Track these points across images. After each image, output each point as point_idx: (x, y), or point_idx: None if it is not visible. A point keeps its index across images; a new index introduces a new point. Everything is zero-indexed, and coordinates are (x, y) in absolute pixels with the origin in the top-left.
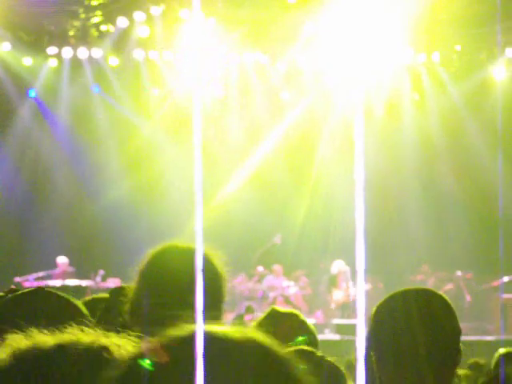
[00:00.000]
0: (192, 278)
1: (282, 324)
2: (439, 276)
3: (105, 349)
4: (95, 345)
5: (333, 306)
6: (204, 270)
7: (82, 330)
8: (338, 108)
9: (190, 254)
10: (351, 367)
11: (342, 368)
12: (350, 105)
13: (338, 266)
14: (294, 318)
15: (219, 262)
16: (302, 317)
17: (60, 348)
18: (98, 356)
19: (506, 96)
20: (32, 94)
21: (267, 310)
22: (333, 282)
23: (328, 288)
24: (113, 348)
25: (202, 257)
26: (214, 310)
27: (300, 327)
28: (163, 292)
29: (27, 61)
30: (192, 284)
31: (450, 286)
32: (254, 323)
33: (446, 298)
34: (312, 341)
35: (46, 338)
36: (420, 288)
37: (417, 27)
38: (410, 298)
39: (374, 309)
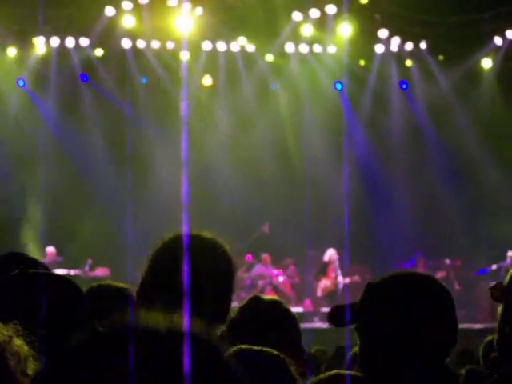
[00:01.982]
0: (198, 268)
1: (265, 311)
2: (429, 264)
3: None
4: None
5: (319, 293)
6: (213, 263)
7: None
8: (325, 97)
9: (206, 244)
10: (342, 353)
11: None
12: (338, 93)
13: (330, 254)
14: (277, 306)
15: (228, 254)
16: (285, 304)
17: None
18: None
19: (494, 84)
20: (21, 83)
21: (249, 297)
22: (323, 270)
23: (316, 276)
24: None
25: (203, 247)
26: (218, 302)
27: (282, 315)
28: (168, 278)
29: (14, 51)
30: (197, 274)
31: (441, 274)
32: (235, 310)
33: (444, 286)
34: (294, 329)
35: None
36: (413, 273)
37: (404, 15)
38: (396, 281)
39: (364, 289)
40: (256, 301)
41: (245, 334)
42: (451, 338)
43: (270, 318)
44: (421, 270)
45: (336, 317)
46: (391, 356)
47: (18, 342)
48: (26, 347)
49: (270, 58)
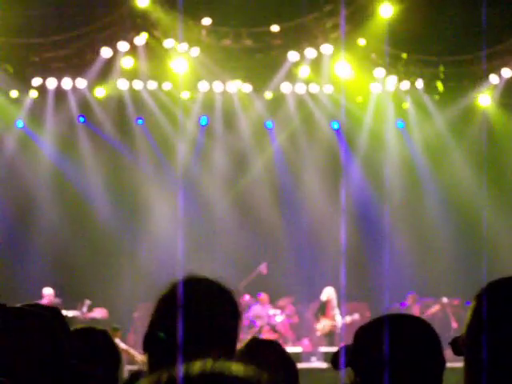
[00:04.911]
0: (207, 315)
1: (262, 353)
2: (426, 303)
3: None
4: None
5: (318, 333)
6: (220, 307)
7: None
8: (322, 136)
9: (212, 288)
10: None
11: None
12: (335, 133)
13: (328, 292)
14: (274, 348)
15: (234, 297)
16: (282, 346)
17: None
18: None
19: (490, 123)
20: (20, 124)
21: (248, 339)
22: (322, 309)
23: (315, 315)
24: None
25: (208, 291)
26: (225, 345)
27: (280, 357)
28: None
29: (13, 93)
30: (206, 320)
31: (436, 308)
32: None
33: (430, 326)
34: (292, 370)
35: None
36: (402, 314)
37: (400, 55)
38: (388, 323)
39: (356, 331)
40: (254, 343)
41: None
42: (439, 372)
43: (268, 360)
44: (414, 308)
45: (336, 360)
46: None
47: None
48: None
49: (266, 97)
